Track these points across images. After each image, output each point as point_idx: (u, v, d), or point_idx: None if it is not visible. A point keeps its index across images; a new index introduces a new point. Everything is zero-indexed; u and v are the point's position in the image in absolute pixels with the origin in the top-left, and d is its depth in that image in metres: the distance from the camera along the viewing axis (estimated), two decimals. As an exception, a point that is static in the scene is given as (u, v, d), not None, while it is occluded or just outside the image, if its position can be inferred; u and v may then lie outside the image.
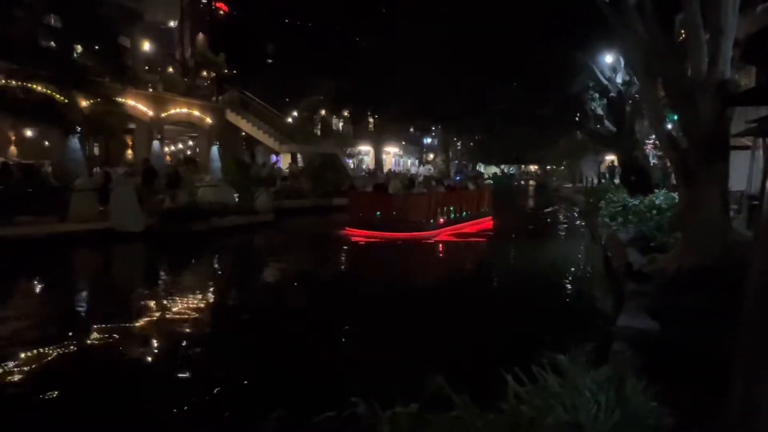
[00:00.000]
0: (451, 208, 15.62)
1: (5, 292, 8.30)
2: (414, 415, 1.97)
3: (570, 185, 39.00)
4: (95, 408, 4.25)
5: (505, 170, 69.92)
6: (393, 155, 46.91)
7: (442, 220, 14.83)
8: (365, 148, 40.88)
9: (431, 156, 53.22)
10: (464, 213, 16.27)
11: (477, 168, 65.03)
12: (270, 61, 34.81)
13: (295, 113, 32.38)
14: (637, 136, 15.02)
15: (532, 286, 8.70)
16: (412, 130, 47.90)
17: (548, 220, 21.01)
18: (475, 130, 48.31)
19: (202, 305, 7.75)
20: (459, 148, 58.29)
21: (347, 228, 14.37)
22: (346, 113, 39.33)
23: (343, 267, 11.76)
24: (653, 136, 17.10)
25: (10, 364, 5.13)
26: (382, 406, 2.07)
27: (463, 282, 9.49)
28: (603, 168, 35.47)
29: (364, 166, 38.93)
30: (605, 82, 14.94)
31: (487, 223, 17.30)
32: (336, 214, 18.85)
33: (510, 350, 4.11)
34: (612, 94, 14.85)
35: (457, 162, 50.39)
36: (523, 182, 62.87)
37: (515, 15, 28.76)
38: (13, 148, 20.25)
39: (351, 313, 7.02)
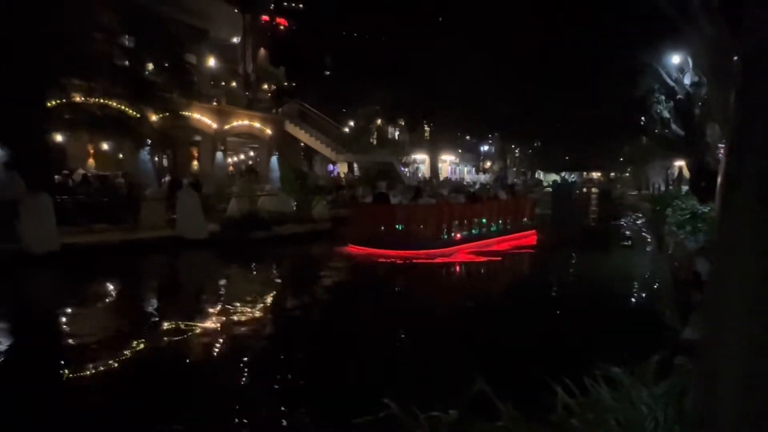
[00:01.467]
0: (475, 221, 13.68)
1: (89, 294, 9.00)
2: (455, 421, 1.95)
3: (635, 192, 37.33)
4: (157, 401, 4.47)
5: (566, 178, 67.92)
6: (449, 163, 46.64)
7: (458, 235, 12.95)
8: (421, 157, 40.87)
9: (488, 164, 52.48)
10: (493, 227, 14.34)
11: (536, 176, 63.55)
12: (327, 72, 35.59)
13: (351, 123, 32.89)
14: (708, 140, 14.21)
15: (586, 297, 8.36)
16: (468, 137, 47.47)
17: (609, 229, 20.09)
18: (533, 136, 47.27)
19: (261, 308, 8.03)
20: (517, 155, 57.16)
21: (349, 245, 12.53)
22: (401, 122, 39.52)
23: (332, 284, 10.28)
24: (725, 140, 16.11)
25: (98, 358, 5.50)
26: (420, 410, 2.06)
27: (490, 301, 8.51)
28: (671, 174, 33.74)
29: (419, 175, 38.91)
30: (672, 83, 14.28)
31: (528, 238, 15.31)
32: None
33: (559, 361, 3.97)
34: (679, 97, 14.17)
35: (499, 169, 48.97)
36: (584, 190, 60.81)
37: (573, 17, 28.05)
38: (91, 161, 21.72)
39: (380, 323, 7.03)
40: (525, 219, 16.02)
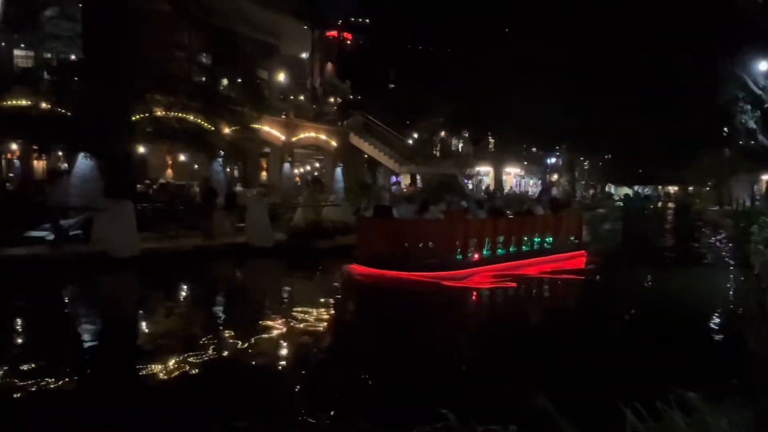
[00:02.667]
0: (500, 240, 11.70)
1: (166, 295, 9.64)
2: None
3: (716, 207, 34.96)
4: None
5: (639, 191, 64.73)
6: (514, 176, 45.74)
7: (476, 255, 11.10)
8: (485, 169, 40.35)
9: (555, 176, 51.00)
10: (525, 247, 12.41)
11: (606, 189, 60.99)
12: (392, 85, 36.02)
13: (415, 135, 33.02)
14: (801, 152, 13.14)
15: (659, 323, 7.81)
16: (534, 149, 46.41)
17: (686, 246, 18.77)
18: (603, 148, 45.53)
19: (321, 313, 8.21)
20: (586, 167, 55.23)
21: (354, 264, 10.98)
22: (465, 134, 39.26)
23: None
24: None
25: (173, 354, 5.83)
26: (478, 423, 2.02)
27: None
28: (757, 189, 31.39)
29: (483, 187, 38.40)
30: (758, 92, 13.33)
31: (574, 260, 13.13)
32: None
33: (628, 384, 3.77)
34: (767, 105, 13.20)
35: (542, 180, 46.65)
36: (659, 204, 57.70)
37: (648, 22, 26.89)
38: (169, 171, 23.07)
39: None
40: (572, 238, 13.91)
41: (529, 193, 38.33)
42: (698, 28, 22.43)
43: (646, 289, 10.95)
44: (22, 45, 19.85)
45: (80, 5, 15.05)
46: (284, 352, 6.36)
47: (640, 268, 12.69)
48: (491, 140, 40.73)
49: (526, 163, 46.07)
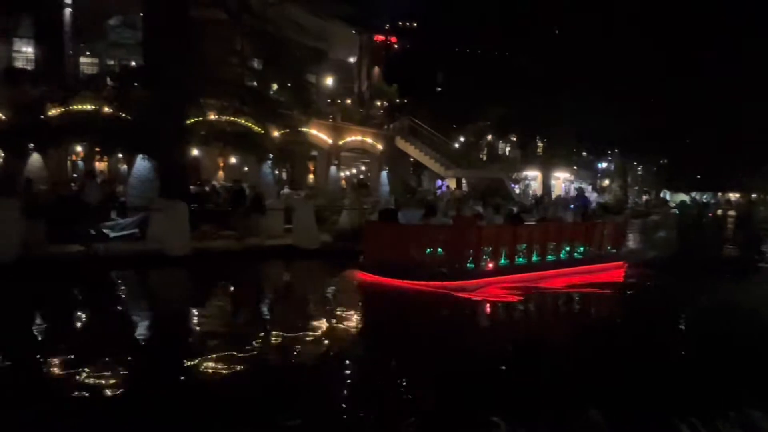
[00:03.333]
0: (520, 249, 10.84)
1: (216, 293, 10.03)
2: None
3: (783, 216, 32.98)
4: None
5: (697, 198, 61.85)
6: (563, 180, 44.60)
7: (490, 265, 10.31)
8: (532, 173, 39.56)
9: (606, 182, 49.43)
10: (551, 256, 11.44)
11: (661, 195, 58.71)
12: (439, 89, 35.93)
13: (461, 138, 32.80)
14: None
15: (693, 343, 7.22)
16: (584, 153, 45.16)
17: (747, 258, 17.55)
18: (658, 152, 43.81)
19: (363, 315, 8.30)
20: (640, 172, 53.26)
21: (359, 271, 10.60)
22: (513, 138, 38.67)
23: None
24: None
25: (222, 350, 6.04)
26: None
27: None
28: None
29: (530, 192, 37.67)
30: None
31: (610, 272, 12.25)
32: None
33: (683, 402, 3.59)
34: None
35: (577, 186, 43.70)
36: (719, 212, 54.94)
37: (709, 18, 25.67)
38: (220, 173, 23.81)
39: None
40: (610, 248, 12.87)
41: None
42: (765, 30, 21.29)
43: (687, 306, 9.58)
44: (88, 53, 21.00)
45: (141, 14, 15.77)
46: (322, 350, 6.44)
47: (690, 282, 11.68)
48: (539, 144, 39.96)
49: (575, 167, 44.87)
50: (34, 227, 11.31)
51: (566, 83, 28.12)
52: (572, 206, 15.76)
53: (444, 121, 30.82)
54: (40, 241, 11.35)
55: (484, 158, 33.24)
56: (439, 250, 10.11)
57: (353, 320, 8.32)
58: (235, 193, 16.20)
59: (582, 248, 12.15)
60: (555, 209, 14.22)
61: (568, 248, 11.81)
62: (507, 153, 39.13)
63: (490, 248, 10.36)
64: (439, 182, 31.28)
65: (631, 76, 28.43)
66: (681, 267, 14.21)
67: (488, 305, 9.21)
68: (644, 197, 54.03)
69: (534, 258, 11.10)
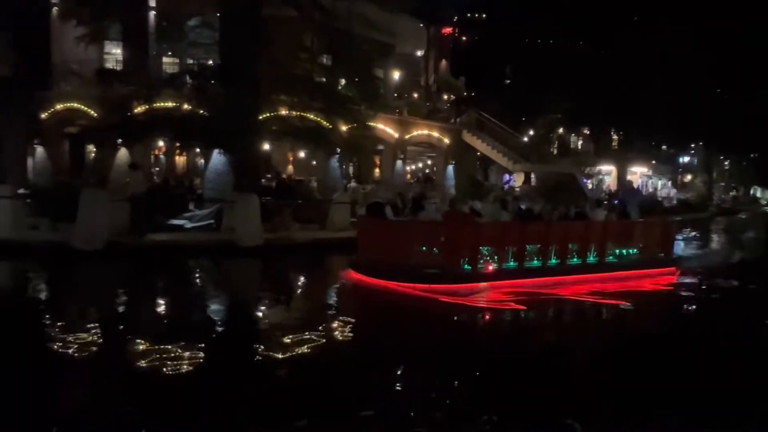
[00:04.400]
0: (530, 250, 9.63)
1: (287, 281, 10.55)
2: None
3: None
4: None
5: (792, 195, 56.78)
6: (640, 175, 42.38)
7: (490, 267, 9.17)
8: (607, 168, 37.86)
9: (689, 177, 46.43)
10: (575, 259, 10.11)
11: (751, 191, 54.51)
12: (508, 81, 35.10)
13: (531, 132, 31.90)
14: None
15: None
16: (664, 147, 42.63)
17: None
18: (747, 146, 40.60)
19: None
20: (726, 167, 49.63)
21: (352, 271, 9.70)
22: (586, 131, 37.14)
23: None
24: None
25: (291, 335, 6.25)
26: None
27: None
28: None
29: (604, 187, 36.08)
30: None
31: (655, 279, 10.53)
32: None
33: None
34: None
35: (625, 182, 39.40)
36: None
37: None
38: (290, 167, 24.51)
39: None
40: (656, 251, 11.24)
41: (659, 194, 35.25)
42: None
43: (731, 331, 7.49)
44: (170, 53, 22.24)
45: (218, 15, 16.46)
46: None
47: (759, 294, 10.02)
48: (615, 137, 38.15)
49: (654, 162, 42.48)
50: (121, 217, 12.20)
51: (648, 71, 26.56)
52: (616, 202, 14.51)
53: (512, 114, 30.10)
54: (125, 230, 12.19)
55: (555, 152, 32.14)
56: (435, 249, 9.15)
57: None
58: (279, 183, 16.92)
59: (620, 251, 10.66)
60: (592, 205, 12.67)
61: (595, 251, 10.32)
62: (579, 146, 37.65)
63: (492, 248, 9.22)
64: (506, 176, 30.64)
65: (720, 61, 26.46)
66: (761, 274, 12.50)
67: (473, 314, 7.95)
68: (731, 193, 50.32)
69: (552, 261, 9.78)
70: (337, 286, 9.82)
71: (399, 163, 24.49)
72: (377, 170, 27.11)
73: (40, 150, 19.61)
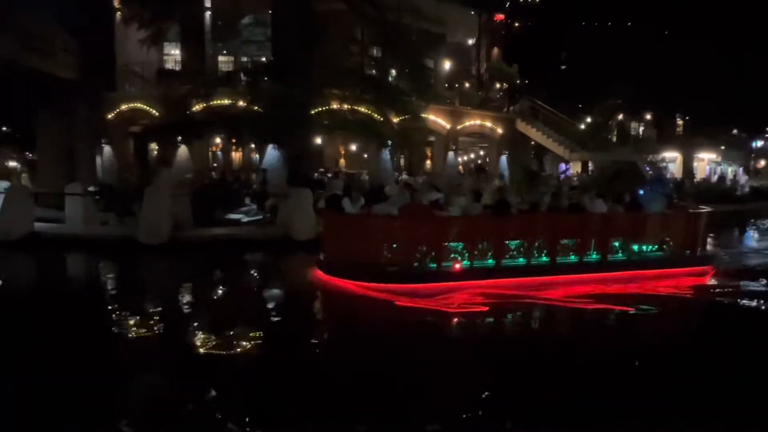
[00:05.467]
0: (511, 246, 8.55)
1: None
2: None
3: None
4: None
5: None
6: (707, 162, 40.01)
7: (458, 265, 8.16)
8: (671, 155, 35.98)
9: (762, 163, 43.41)
10: (572, 256, 8.90)
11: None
12: (563, 67, 33.92)
13: (588, 119, 30.73)
14: None
15: None
16: (735, 131, 40.03)
17: None
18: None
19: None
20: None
21: (317, 269, 8.89)
22: (648, 116, 35.39)
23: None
24: None
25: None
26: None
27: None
28: None
29: (668, 175, 34.32)
30: None
31: (676, 280, 8.99)
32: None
33: None
34: None
35: (652, 168, 35.22)
36: None
37: None
38: (342, 161, 24.72)
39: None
40: (681, 248, 9.60)
41: (728, 180, 33.12)
42: None
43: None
44: (225, 51, 22.88)
45: (270, 12, 16.73)
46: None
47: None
48: (679, 122, 36.18)
49: (723, 147, 39.97)
50: (182, 212, 12.65)
51: (718, 50, 24.95)
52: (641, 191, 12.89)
53: (568, 101, 29.11)
54: (186, 225, 12.65)
55: (614, 139, 30.80)
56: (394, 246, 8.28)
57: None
58: (376, 187, 16.84)
59: (633, 248, 9.31)
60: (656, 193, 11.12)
61: (595, 247, 9.05)
62: (640, 133, 35.93)
63: (464, 244, 8.28)
64: (562, 166, 29.69)
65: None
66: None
67: (414, 319, 6.87)
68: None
69: (542, 259, 8.69)
70: (300, 286, 8.77)
71: (450, 154, 24.20)
72: (428, 162, 26.91)
73: (107, 149, 20.69)
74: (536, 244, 8.70)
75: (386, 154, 20.54)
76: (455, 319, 7.04)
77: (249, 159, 24.96)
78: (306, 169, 15.20)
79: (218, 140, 23.83)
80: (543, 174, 24.99)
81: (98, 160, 20.84)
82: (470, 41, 29.15)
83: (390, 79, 18.01)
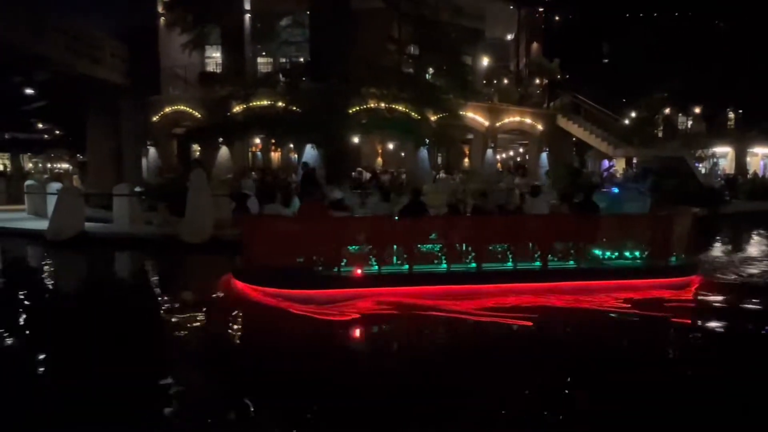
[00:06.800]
0: (427, 249, 7.83)
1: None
2: None
3: None
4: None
5: None
6: (762, 157, 38.08)
7: (359, 270, 7.50)
8: (723, 150, 34.39)
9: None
10: (511, 263, 7.87)
11: None
12: (606, 60, 32.92)
13: (632, 114, 29.72)
14: None
15: None
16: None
17: None
18: None
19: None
20: None
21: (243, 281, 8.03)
22: (696, 110, 33.94)
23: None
24: None
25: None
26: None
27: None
28: None
29: (719, 171, 32.84)
30: None
31: (647, 291, 7.74)
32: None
33: None
34: None
35: (636, 162, 32.43)
36: None
37: None
38: (379, 159, 24.69)
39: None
40: (671, 258, 8.33)
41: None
42: None
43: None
44: (264, 53, 23.21)
45: (308, 12, 16.85)
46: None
47: None
48: (731, 115, 34.54)
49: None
50: (224, 211, 12.86)
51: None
52: (615, 190, 11.11)
53: (612, 96, 28.18)
54: (227, 224, 12.87)
55: (660, 135, 29.68)
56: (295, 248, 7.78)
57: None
58: (305, 175, 16.72)
59: (605, 255, 8.27)
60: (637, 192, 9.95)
61: (538, 253, 8.02)
62: (688, 127, 34.49)
63: (371, 247, 7.64)
64: (605, 163, 28.84)
65: None
66: None
67: (299, 331, 6.41)
68: None
69: (472, 265, 7.78)
70: (206, 293, 8.10)
71: (489, 152, 23.82)
72: (466, 160, 26.60)
73: (152, 150, 21.33)
74: (459, 248, 7.79)
75: (424, 152, 20.39)
76: (326, 329, 6.45)
77: (288, 159, 25.26)
78: (344, 168, 15.25)
79: (257, 141, 24.19)
80: (585, 171, 24.33)
81: (143, 161, 21.51)
82: (509, 36, 28.63)
83: (427, 76, 17.85)
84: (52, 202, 13.66)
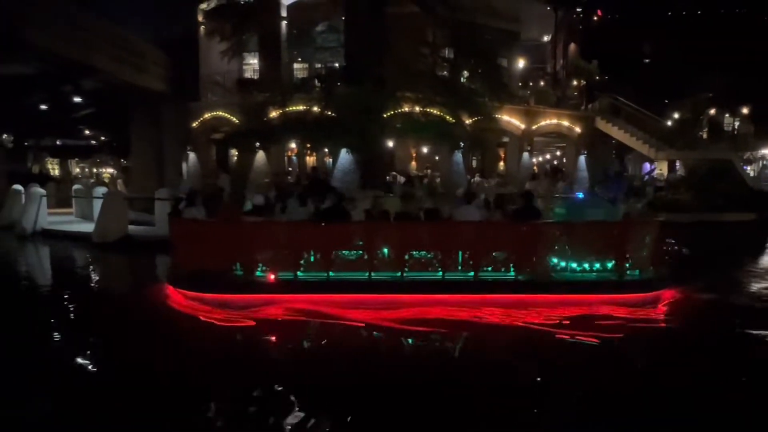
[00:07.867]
0: (340, 256, 7.60)
1: None
2: None
3: None
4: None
5: None
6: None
7: (272, 276, 7.57)
8: (771, 151, 33.02)
9: None
10: (441, 272, 7.56)
11: None
12: (647, 60, 32.05)
13: (675, 115, 28.81)
14: None
15: None
16: None
17: None
18: None
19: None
20: None
21: (169, 284, 8.28)
22: (744, 110, 32.65)
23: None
24: None
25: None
26: None
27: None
28: None
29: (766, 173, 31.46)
30: None
31: (598, 307, 7.19)
32: (729, 229, 15.53)
33: None
34: None
35: (612, 164, 31.03)
36: None
37: None
38: (413, 163, 24.67)
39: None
40: (632, 268, 7.75)
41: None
42: None
43: None
44: (300, 59, 23.55)
45: (343, 18, 16.99)
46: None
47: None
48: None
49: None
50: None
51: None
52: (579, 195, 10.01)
53: (653, 97, 27.43)
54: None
55: (705, 136, 28.65)
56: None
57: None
58: (312, 179, 16.78)
59: (560, 264, 7.63)
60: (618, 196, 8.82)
61: (470, 263, 7.59)
62: (735, 129, 33.20)
63: (284, 252, 7.60)
64: (647, 166, 28.08)
65: None
66: None
67: (205, 335, 6.49)
68: None
69: (396, 274, 7.51)
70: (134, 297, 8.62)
71: (525, 155, 23.49)
72: (501, 163, 26.29)
73: (191, 155, 21.90)
74: (378, 256, 7.53)
75: (458, 156, 20.25)
76: (218, 335, 6.51)
77: (323, 163, 25.53)
78: (379, 172, 15.26)
79: (293, 145, 24.52)
80: (626, 174, 23.70)
81: (183, 166, 22.09)
82: (545, 38, 28.21)
83: (462, 79, 17.72)
84: (98, 205, 14.18)
